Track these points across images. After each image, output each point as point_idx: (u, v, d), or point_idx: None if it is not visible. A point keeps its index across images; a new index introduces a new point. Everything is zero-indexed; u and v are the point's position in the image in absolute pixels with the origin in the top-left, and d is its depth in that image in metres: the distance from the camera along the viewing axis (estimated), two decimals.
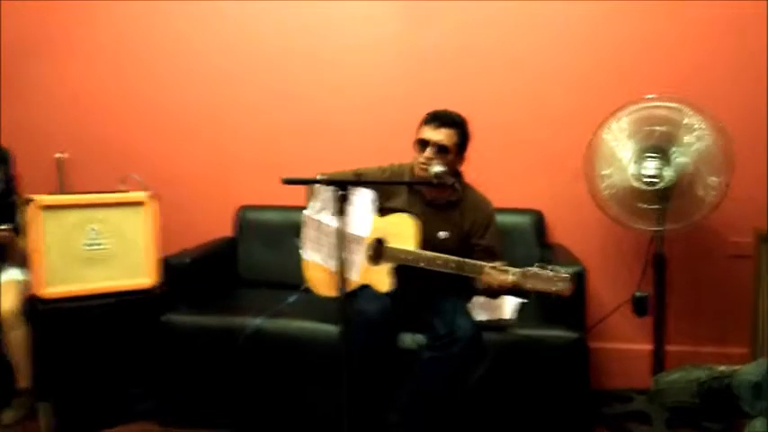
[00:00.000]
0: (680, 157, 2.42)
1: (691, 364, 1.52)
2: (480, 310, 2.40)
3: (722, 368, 1.43)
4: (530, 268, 2.08)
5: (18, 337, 2.54)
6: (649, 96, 2.49)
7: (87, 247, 2.54)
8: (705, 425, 2.42)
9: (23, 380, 2.58)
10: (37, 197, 2.47)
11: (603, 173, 2.52)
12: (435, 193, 2.39)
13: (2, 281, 2.67)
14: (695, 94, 2.49)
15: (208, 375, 2.47)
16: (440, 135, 2.31)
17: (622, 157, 2.48)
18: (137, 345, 2.55)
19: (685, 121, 2.43)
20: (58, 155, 2.61)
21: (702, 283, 2.85)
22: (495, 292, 2.24)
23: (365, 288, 2.31)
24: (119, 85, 3.21)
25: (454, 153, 2.34)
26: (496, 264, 2.15)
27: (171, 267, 2.59)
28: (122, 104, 3.21)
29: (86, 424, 2.48)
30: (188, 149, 3.19)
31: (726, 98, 2.67)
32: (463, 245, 2.37)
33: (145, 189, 2.64)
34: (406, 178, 2.42)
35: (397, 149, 2.45)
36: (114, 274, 2.57)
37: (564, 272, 2.04)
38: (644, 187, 2.43)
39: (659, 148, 2.44)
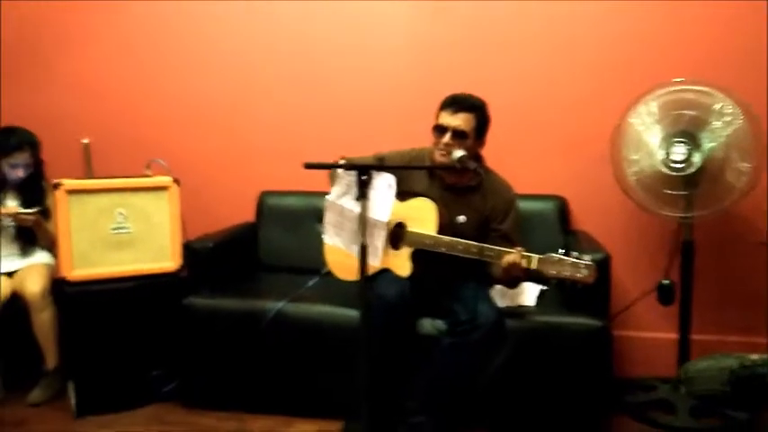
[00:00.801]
0: (709, 142, 2.37)
1: (720, 353, 1.48)
2: (501, 296, 2.39)
3: (754, 357, 1.40)
4: (552, 254, 2.06)
5: (46, 319, 2.60)
6: (677, 80, 2.43)
7: (114, 231, 2.58)
8: (730, 414, 2.38)
9: (51, 361, 2.64)
10: (64, 181, 2.51)
11: (631, 158, 2.47)
12: (456, 177, 2.36)
13: (30, 263, 2.73)
14: (723, 78, 2.42)
15: (229, 358, 2.49)
16: (457, 120, 2.28)
17: (650, 142, 2.43)
18: (160, 327, 2.58)
19: (715, 105, 2.37)
20: (83, 140, 2.63)
21: (730, 271, 2.79)
22: (513, 280, 2.21)
23: (385, 272, 2.30)
24: (143, 72, 3.23)
25: (473, 138, 2.31)
26: (518, 250, 2.12)
27: (193, 251, 2.62)
28: (146, 91, 3.24)
29: (110, 404, 2.53)
30: (210, 136, 3.20)
31: (754, 81, 2.60)
32: (482, 230, 2.35)
33: (169, 174, 2.66)
34: (427, 162, 2.40)
35: (416, 133, 2.43)
36: (139, 257, 2.61)
37: (587, 259, 2.01)
38: (672, 173, 2.38)
39: (688, 132, 2.39)
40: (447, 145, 2.27)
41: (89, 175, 2.64)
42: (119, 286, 2.56)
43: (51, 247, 2.70)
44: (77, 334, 2.52)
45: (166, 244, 2.64)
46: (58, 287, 2.57)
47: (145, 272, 2.60)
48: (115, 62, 3.24)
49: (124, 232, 2.59)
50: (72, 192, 2.51)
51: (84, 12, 3.23)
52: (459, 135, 2.28)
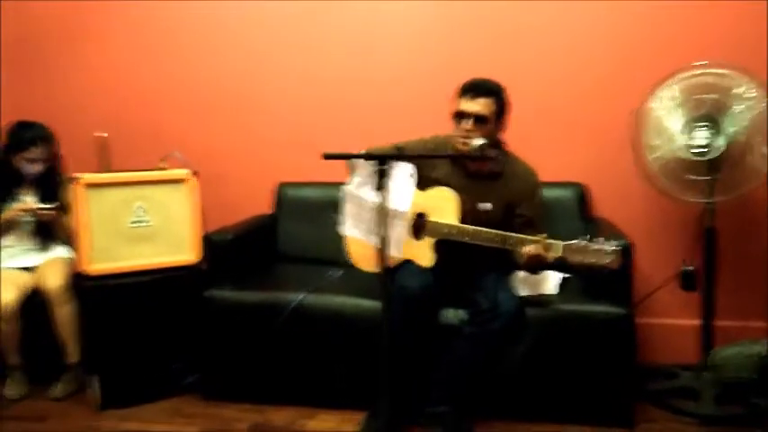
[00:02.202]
0: (732, 127, 2.33)
1: (749, 339, 1.46)
2: (523, 285, 2.37)
3: None
4: (575, 241, 2.04)
5: (66, 314, 2.61)
6: (698, 63, 2.39)
7: (133, 225, 2.58)
8: (754, 401, 2.36)
9: (72, 355, 2.65)
10: (82, 175, 2.50)
11: (652, 144, 2.44)
12: (478, 164, 2.34)
13: (50, 258, 2.74)
14: (745, 61, 2.39)
15: (250, 350, 2.50)
16: (477, 106, 2.26)
17: (671, 127, 2.40)
18: (180, 320, 2.59)
19: (736, 89, 2.33)
20: (97, 134, 2.63)
21: (753, 256, 2.76)
22: (537, 267, 2.20)
23: (407, 263, 2.29)
24: (159, 65, 3.22)
25: (493, 122, 2.29)
26: (541, 237, 2.10)
27: (213, 244, 2.62)
28: (162, 85, 3.23)
29: (132, 397, 2.54)
30: (227, 127, 3.19)
31: None
32: (507, 216, 2.33)
33: (186, 167, 2.66)
34: (449, 150, 2.38)
35: (436, 121, 2.41)
36: (158, 250, 2.61)
37: (613, 245, 1.99)
38: (694, 158, 2.35)
39: (710, 117, 2.36)
40: (468, 131, 2.25)
41: (107, 168, 2.64)
42: (139, 280, 2.56)
43: (70, 241, 2.71)
44: (98, 328, 2.53)
45: (186, 237, 2.64)
46: (78, 281, 2.58)
47: (164, 265, 2.60)
48: (131, 55, 3.24)
49: (144, 225, 2.59)
50: (90, 186, 2.51)
51: (100, 5, 3.22)
52: (479, 120, 2.26)
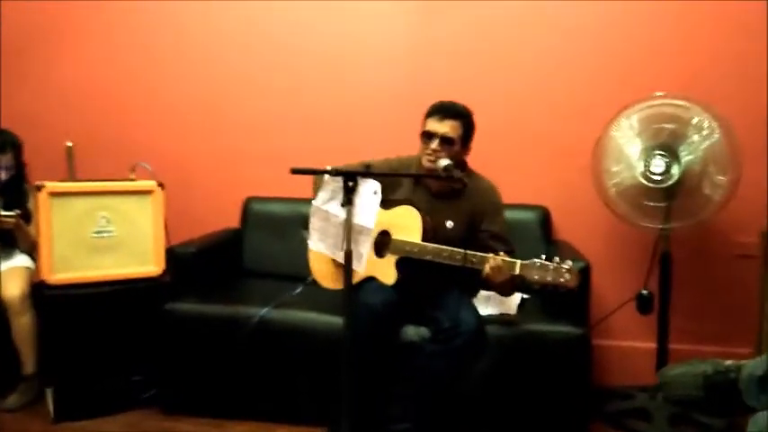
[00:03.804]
0: (688, 155, 2.42)
1: (697, 358, 1.51)
2: (484, 304, 2.41)
3: (728, 362, 1.43)
4: (535, 260, 2.08)
5: (24, 323, 2.56)
6: (658, 94, 2.49)
7: (96, 235, 2.56)
8: (706, 421, 2.42)
9: (29, 365, 2.60)
10: (47, 184, 2.48)
11: (612, 170, 2.52)
12: (441, 184, 2.38)
13: (10, 267, 2.69)
14: (702, 93, 2.49)
15: (210, 364, 2.48)
16: (445, 127, 2.32)
17: (630, 154, 2.48)
18: (141, 333, 2.56)
19: (693, 119, 2.43)
20: (67, 143, 2.62)
21: (707, 282, 2.84)
22: (501, 286, 2.23)
23: (370, 280, 2.31)
24: (128, 75, 3.22)
25: (459, 145, 2.35)
26: (502, 255, 2.15)
27: (176, 256, 2.61)
28: (131, 95, 3.23)
29: (89, 410, 2.49)
30: (196, 140, 3.20)
31: (731, 97, 2.67)
32: (470, 233, 2.37)
33: (154, 178, 2.65)
34: (413, 170, 2.42)
35: (403, 140, 2.45)
36: (121, 261, 2.59)
37: (570, 263, 2.04)
38: (651, 184, 2.43)
39: (667, 145, 2.44)
40: (435, 151, 2.30)
41: (72, 177, 2.62)
42: (100, 290, 2.53)
43: (32, 250, 2.67)
44: (57, 338, 2.49)
45: (149, 248, 2.63)
46: (38, 291, 2.54)
47: (127, 276, 2.58)
48: (99, 64, 3.23)
49: (106, 236, 2.57)
50: (54, 194, 2.49)
51: (67, 13, 3.22)
52: (446, 141, 2.31)
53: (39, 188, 2.47)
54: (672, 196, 2.45)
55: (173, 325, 2.50)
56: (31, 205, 2.64)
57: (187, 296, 2.55)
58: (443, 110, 2.34)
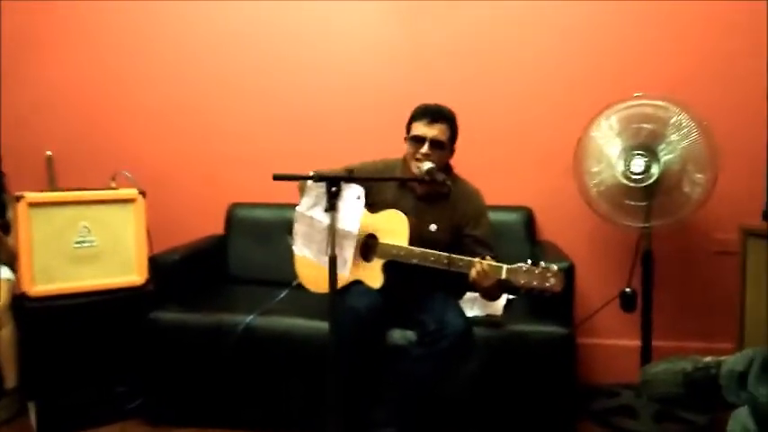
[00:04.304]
0: (667, 155, 2.45)
1: (677, 355, 1.53)
2: (470, 305, 2.42)
3: (708, 359, 1.44)
4: (521, 264, 2.09)
5: (5, 337, 2.53)
6: (636, 95, 2.52)
7: (77, 245, 2.53)
8: (690, 418, 2.45)
9: (11, 379, 2.56)
10: (26, 194, 2.45)
11: (593, 170, 2.55)
12: (426, 187, 2.39)
13: None
14: (681, 93, 2.53)
15: (196, 373, 2.46)
16: (435, 131, 2.33)
17: (611, 155, 2.51)
18: (125, 342, 2.54)
19: (672, 119, 2.46)
20: (46, 152, 2.59)
21: (689, 279, 2.88)
22: (487, 290, 2.24)
23: (356, 284, 2.31)
24: (109, 82, 3.19)
25: (448, 148, 2.37)
26: (488, 259, 2.16)
27: (159, 265, 2.58)
28: (113, 102, 3.20)
29: (75, 422, 2.46)
30: (179, 147, 3.18)
31: (710, 97, 2.72)
32: (454, 237, 2.38)
33: (135, 186, 2.63)
34: (398, 173, 2.43)
35: (387, 144, 2.46)
36: (103, 271, 2.56)
37: (555, 268, 2.06)
38: (631, 184, 2.46)
39: (647, 145, 2.47)
40: (425, 155, 2.31)
41: (52, 187, 2.59)
42: (82, 302, 2.50)
43: (12, 261, 2.63)
44: (39, 351, 2.46)
45: (132, 257, 2.61)
46: (19, 303, 2.50)
47: (109, 286, 2.56)
48: (79, 71, 3.20)
49: (87, 246, 2.54)
50: (34, 205, 2.46)
51: (46, 20, 3.19)
52: (436, 145, 2.32)
53: (18, 199, 2.44)
54: (652, 195, 2.48)
55: (157, 334, 2.47)
56: (10, 216, 2.60)
57: (171, 305, 2.52)
58: (432, 113, 2.35)
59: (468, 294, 2.45)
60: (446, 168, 2.42)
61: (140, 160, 3.03)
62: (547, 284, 2.05)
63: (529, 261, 2.09)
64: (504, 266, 2.11)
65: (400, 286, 2.31)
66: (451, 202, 2.41)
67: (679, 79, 2.79)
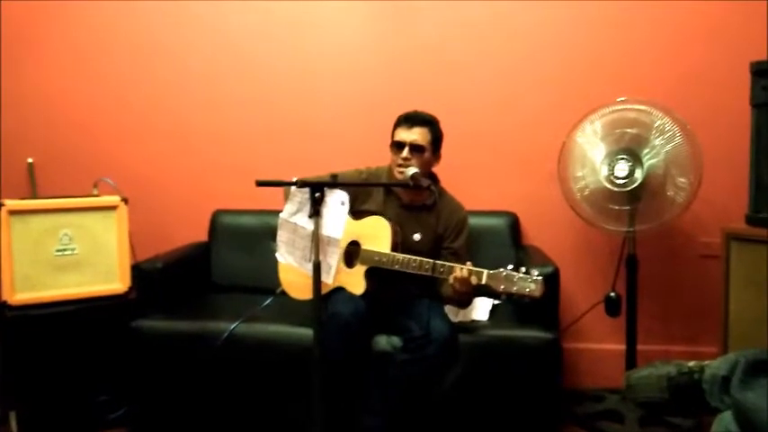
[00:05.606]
0: (650, 159, 2.47)
1: (661, 360, 1.53)
2: (455, 311, 2.41)
3: (691, 364, 1.45)
4: (501, 270, 2.09)
5: None
6: (620, 99, 2.53)
7: (59, 253, 2.50)
8: (675, 422, 2.46)
9: None
10: (6, 202, 2.42)
11: (577, 175, 2.56)
12: (411, 195, 2.40)
13: None
14: (664, 98, 2.55)
15: (180, 381, 2.43)
16: (414, 135, 2.34)
17: (595, 159, 2.52)
18: (107, 351, 2.51)
19: (655, 123, 2.47)
20: (28, 160, 2.56)
21: (673, 283, 2.90)
22: (464, 298, 2.24)
23: (340, 291, 2.31)
24: (92, 88, 3.16)
25: (430, 152, 2.38)
26: (469, 266, 2.15)
27: (142, 273, 2.56)
28: (95, 109, 3.16)
29: None
30: (162, 154, 3.15)
31: (693, 101, 2.73)
32: (435, 248, 2.40)
33: (118, 194, 2.60)
34: (384, 180, 2.43)
35: (372, 153, 2.46)
36: (85, 279, 2.54)
37: (536, 274, 2.06)
38: (615, 188, 2.47)
39: (631, 150, 2.48)
40: (405, 159, 2.32)
41: (33, 195, 2.56)
42: (64, 310, 2.47)
43: None
44: (20, 360, 2.42)
45: (114, 265, 2.58)
46: (0, 312, 2.48)
47: (91, 294, 2.53)
48: (61, 77, 3.16)
49: (69, 254, 2.51)
50: (15, 212, 2.43)
51: (27, 25, 3.14)
52: (416, 149, 2.33)
53: None
54: (636, 199, 2.49)
55: (140, 343, 2.44)
56: None
57: (154, 313, 2.50)
58: (410, 119, 2.38)
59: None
60: (431, 177, 2.43)
61: (123, 167, 3.00)
62: (527, 290, 2.05)
63: (510, 266, 2.09)
64: (485, 272, 2.11)
65: (384, 292, 2.30)
66: (435, 213, 2.42)
67: (663, 84, 2.81)
